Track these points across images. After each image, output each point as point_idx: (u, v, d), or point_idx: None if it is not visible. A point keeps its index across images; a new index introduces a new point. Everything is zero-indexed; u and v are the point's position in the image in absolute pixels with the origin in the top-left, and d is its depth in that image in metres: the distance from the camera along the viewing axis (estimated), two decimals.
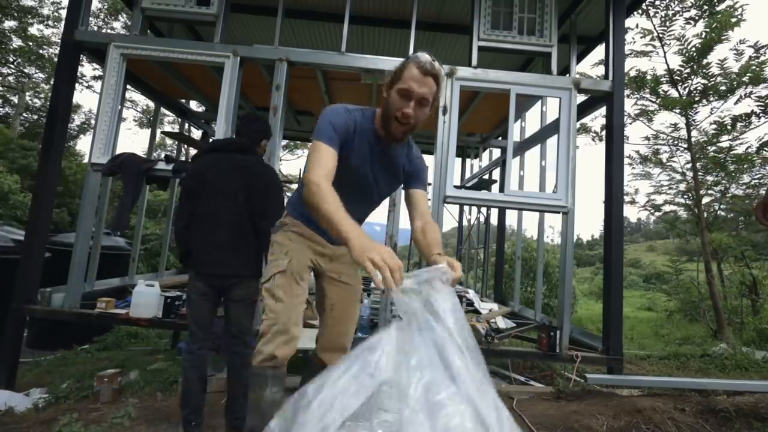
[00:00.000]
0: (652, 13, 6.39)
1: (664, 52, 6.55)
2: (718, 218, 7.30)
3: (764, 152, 6.07)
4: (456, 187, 3.09)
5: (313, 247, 1.47)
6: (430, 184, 2.21)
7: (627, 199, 7.55)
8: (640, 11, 5.71)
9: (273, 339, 1.32)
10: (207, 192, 1.99)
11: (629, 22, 3.98)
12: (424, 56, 1.16)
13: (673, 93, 6.66)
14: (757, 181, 6.53)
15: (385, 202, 1.87)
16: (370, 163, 1.33)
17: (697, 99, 6.37)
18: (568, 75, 3.42)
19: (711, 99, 6.30)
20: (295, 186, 5.41)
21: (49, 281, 2.98)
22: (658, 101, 6.76)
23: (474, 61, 3.16)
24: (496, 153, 5.97)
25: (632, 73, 6.66)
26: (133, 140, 46.28)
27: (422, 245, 1.22)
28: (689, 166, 6.82)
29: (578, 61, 3.62)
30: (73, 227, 7.65)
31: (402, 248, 11.15)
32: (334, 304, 1.53)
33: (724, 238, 6.61)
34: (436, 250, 1.15)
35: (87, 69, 14.29)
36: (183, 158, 5.62)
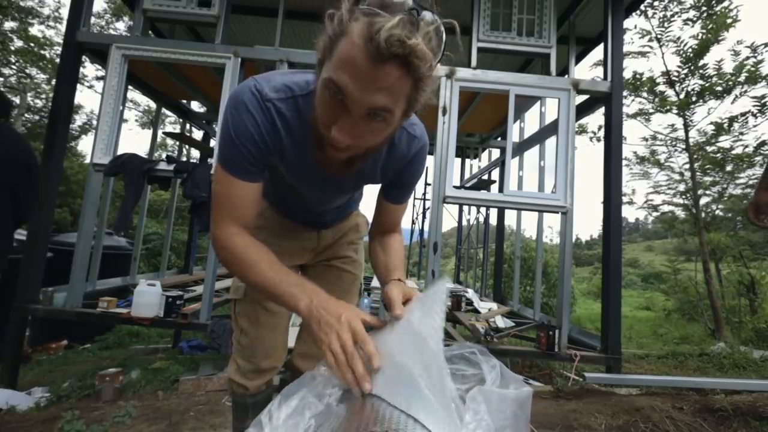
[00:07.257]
0: (650, 14, 6.43)
1: (662, 53, 6.58)
2: (716, 218, 7.33)
3: (761, 152, 6.11)
4: (455, 187, 3.10)
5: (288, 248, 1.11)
6: (429, 184, 2.19)
7: (625, 199, 7.59)
8: (638, 12, 5.73)
9: (242, 371, 1.10)
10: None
11: (628, 23, 4.01)
12: (385, 20, 0.52)
13: (671, 94, 6.70)
14: (754, 180, 6.57)
15: None
16: (317, 185, 0.90)
17: (694, 100, 6.40)
18: (567, 76, 3.43)
19: (707, 99, 6.34)
20: None
21: (51, 281, 2.99)
22: (655, 102, 6.79)
23: (473, 62, 3.18)
24: (496, 153, 5.99)
25: (628, 75, 6.69)
26: (135, 140, 46.26)
27: (380, 261, 0.96)
28: (687, 166, 6.85)
29: (577, 62, 3.64)
30: (75, 227, 7.67)
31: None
32: None
33: (722, 237, 6.64)
34: (397, 274, 0.89)
35: (89, 70, 14.34)
36: (184, 159, 5.64)
